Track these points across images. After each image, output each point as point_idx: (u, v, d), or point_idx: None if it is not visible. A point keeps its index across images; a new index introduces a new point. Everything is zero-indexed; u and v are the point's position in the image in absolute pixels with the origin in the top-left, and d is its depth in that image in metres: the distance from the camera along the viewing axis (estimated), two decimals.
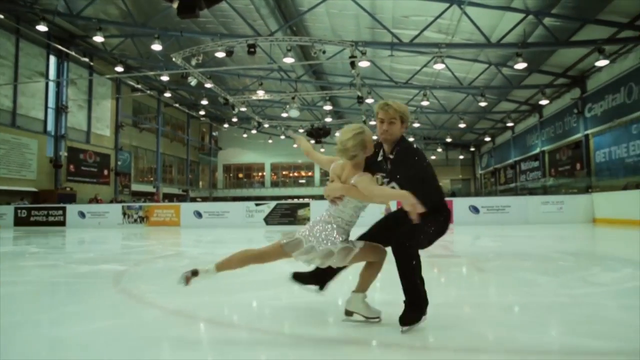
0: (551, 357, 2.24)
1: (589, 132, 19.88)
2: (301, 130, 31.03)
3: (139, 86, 25.40)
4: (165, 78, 20.86)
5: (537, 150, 25.60)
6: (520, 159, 28.83)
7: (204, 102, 26.43)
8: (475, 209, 15.50)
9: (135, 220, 18.04)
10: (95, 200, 22.68)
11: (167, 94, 25.97)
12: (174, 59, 16.90)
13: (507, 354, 2.28)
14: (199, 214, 17.75)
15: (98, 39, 16.82)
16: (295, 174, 45.22)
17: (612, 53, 16.86)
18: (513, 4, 14.76)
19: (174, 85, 26.81)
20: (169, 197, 33.43)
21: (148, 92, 26.58)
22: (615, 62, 17.32)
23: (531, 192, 23.65)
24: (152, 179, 32.92)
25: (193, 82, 18.60)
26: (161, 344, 2.61)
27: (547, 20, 15.15)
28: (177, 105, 31.66)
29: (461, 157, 41.40)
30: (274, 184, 44.62)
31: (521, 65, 15.84)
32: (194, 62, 16.22)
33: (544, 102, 21.93)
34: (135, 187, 30.29)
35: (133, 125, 30.46)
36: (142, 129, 31.49)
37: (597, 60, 15.87)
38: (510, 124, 28.60)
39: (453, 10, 15.20)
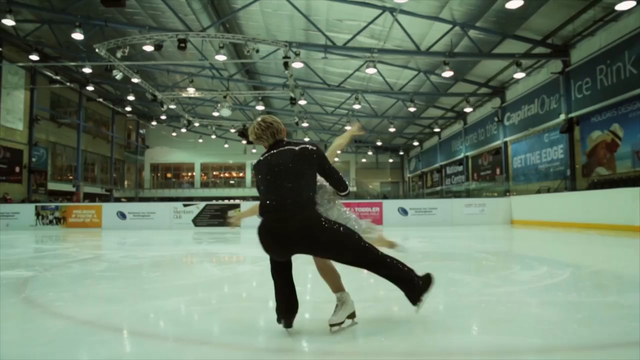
0: (479, 357, 2.26)
1: (507, 139, 21.22)
2: (233, 130, 30.44)
3: (58, 77, 23.51)
4: (87, 70, 19.49)
5: (462, 156, 26.94)
6: (446, 164, 30.18)
7: (131, 97, 25.05)
8: (404, 211, 15.98)
9: (51, 222, 16.76)
10: (4, 199, 20.78)
11: (90, 88, 24.31)
12: (97, 50, 15.84)
13: (440, 355, 2.27)
14: (122, 215, 16.83)
15: (8, 22, 15.34)
16: (226, 175, 44.29)
17: (528, 67, 18.15)
18: (441, 15, 15.40)
19: (98, 79, 25.24)
20: (91, 197, 31.45)
21: (68, 84, 24.76)
22: (530, 76, 18.66)
23: (455, 195, 24.83)
24: (71, 177, 30.78)
25: (118, 75, 17.56)
26: None
27: (471, 33, 15.98)
28: (100, 100, 29.85)
29: (391, 160, 42.65)
30: (204, 185, 43.41)
31: (448, 74, 16.55)
32: (119, 54, 15.31)
33: (468, 109, 23.10)
34: (53, 186, 28.15)
35: (51, 119, 28.27)
36: (61, 124, 29.32)
37: (515, 72, 16.97)
38: (437, 130, 29.88)
39: (385, 16, 15.59)
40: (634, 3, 12.06)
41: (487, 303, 3.38)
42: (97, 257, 6.86)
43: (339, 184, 2.76)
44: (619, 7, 12.20)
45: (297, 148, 2.65)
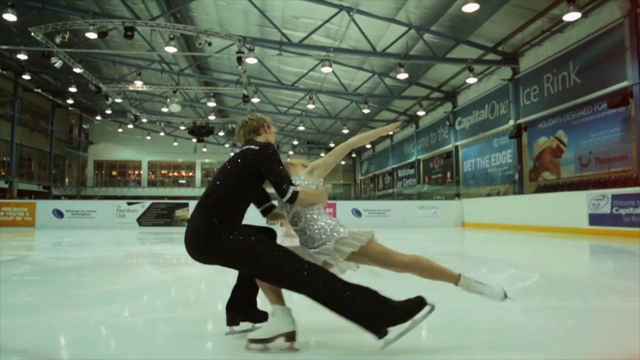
0: None
1: (458, 143, 21.64)
2: (182, 127, 29.39)
3: None
4: (23, 57, 18.02)
5: (413, 159, 27.28)
6: (398, 167, 30.51)
7: (73, 89, 23.53)
8: (357, 212, 15.86)
9: None
10: None
11: (27, 77, 22.67)
12: (33, 34, 14.66)
13: None
14: (59, 213, 15.70)
15: None
16: (175, 174, 42.78)
17: (479, 73, 18.55)
18: (397, 17, 15.42)
19: (36, 67, 23.56)
20: (27, 195, 29.35)
21: (0, 71, 22.95)
22: (481, 82, 19.11)
23: (407, 197, 25.08)
24: (4, 173, 28.62)
25: (57, 63, 16.33)
26: None
27: (427, 36, 16.11)
28: (39, 90, 27.92)
29: (343, 162, 42.64)
30: (152, 184, 41.72)
31: (403, 76, 16.61)
32: (58, 39, 14.22)
33: (420, 113, 23.38)
34: None
35: None
36: None
37: (468, 77, 17.30)
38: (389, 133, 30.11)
39: (342, 16, 15.45)
40: (579, 15, 12.49)
41: (466, 310, 3.05)
42: (20, 259, 6.07)
43: (276, 187, 2.29)
44: (566, 17, 12.56)
45: (246, 147, 2.39)
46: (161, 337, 2.42)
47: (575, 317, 2.89)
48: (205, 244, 2.20)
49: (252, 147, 2.36)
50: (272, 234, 2.43)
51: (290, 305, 2.26)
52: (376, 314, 2.11)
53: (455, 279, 2.46)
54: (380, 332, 2.08)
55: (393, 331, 2.07)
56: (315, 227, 2.36)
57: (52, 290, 3.86)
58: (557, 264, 6.07)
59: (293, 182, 2.31)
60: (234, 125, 28.99)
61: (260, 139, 2.52)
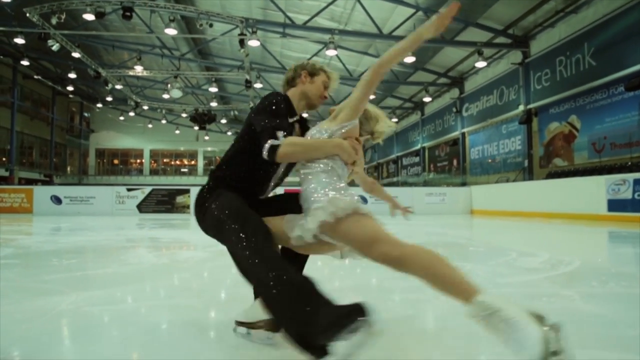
0: None
1: (465, 130, 21.13)
2: (184, 115, 28.96)
3: None
4: (20, 41, 17.48)
5: (418, 146, 26.79)
6: (402, 155, 30.03)
7: (72, 75, 23.07)
8: (363, 199, 15.45)
9: None
10: None
11: (25, 62, 22.22)
12: (28, 15, 14.20)
13: None
14: (57, 200, 15.38)
15: None
16: (177, 162, 42.42)
17: (488, 57, 17.99)
18: None
19: (34, 53, 23.13)
20: (29, 183, 29.07)
21: None
22: (489, 66, 18.55)
23: (412, 185, 24.63)
24: (5, 161, 28.32)
25: (55, 46, 15.89)
26: None
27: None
28: (39, 77, 27.49)
29: None
30: (154, 172, 41.40)
31: (410, 59, 16.12)
32: (54, 20, 13.77)
33: (427, 99, 22.84)
34: None
35: None
36: None
37: (477, 61, 16.77)
38: (394, 120, 29.62)
39: None
40: None
41: (514, 296, 2.52)
42: (4, 243, 5.64)
43: (258, 143, 1.80)
44: None
45: None
46: (136, 332, 2.02)
47: None
48: (196, 214, 1.91)
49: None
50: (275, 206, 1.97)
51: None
52: (316, 328, 1.39)
53: (470, 294, 1.47)
54: (314, 352, 1.42)
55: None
56: (307, 188, 1.78)
57: (26, 274, 3.46)
58: (592, 249, 5.55)
59: (283, 133, 1.77)
60: (236, 112, 28.54)
61: (295, 91, 2.09)
